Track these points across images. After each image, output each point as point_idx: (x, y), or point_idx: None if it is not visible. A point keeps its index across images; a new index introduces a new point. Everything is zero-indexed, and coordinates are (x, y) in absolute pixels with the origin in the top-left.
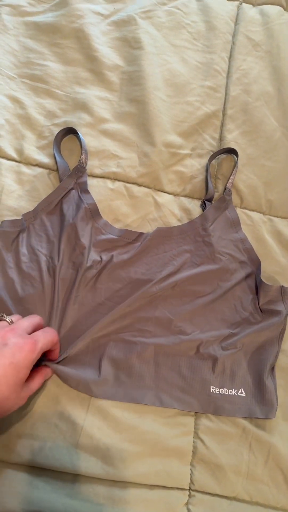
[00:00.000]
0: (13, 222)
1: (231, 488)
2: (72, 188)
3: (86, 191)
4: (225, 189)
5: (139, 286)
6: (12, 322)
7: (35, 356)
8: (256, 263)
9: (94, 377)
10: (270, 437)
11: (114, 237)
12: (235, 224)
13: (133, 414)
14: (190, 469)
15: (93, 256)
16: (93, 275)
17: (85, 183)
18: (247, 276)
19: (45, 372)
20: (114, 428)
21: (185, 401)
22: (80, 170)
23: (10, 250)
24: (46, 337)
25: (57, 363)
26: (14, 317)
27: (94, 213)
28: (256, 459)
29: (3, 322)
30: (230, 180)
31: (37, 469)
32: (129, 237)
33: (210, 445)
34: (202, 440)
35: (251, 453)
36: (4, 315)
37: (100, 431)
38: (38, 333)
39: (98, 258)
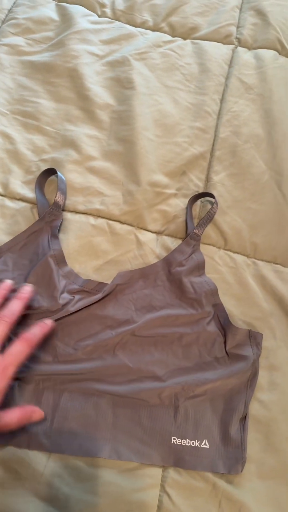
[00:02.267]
0: None
1: None
2: (42, 232)
3: (56, 236)
4: (191, 233)
5: (97, 332)
6: None
7: (4, 383)
8: (220, 307)
9: (45, 428)
10: (242, 495)
11: (76, 286)
12: (200, 267)
13: (97, 462)
14: None
15: (50, 301)
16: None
17: (57, 227)
18: (211, 320)
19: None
20: (75, 477)
21: (144, 453)
22: (52, 213)
23: None
24: (19, 358)
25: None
26: None
27: (59, 260)
28: None
29: None
30: (199, 226)
31: None
32: (90, 287)
33: (176, 501)
34: (168, 495)
35: None
36: None
37: (60, 479)
38: (12, 351)
39: (58, 305)
